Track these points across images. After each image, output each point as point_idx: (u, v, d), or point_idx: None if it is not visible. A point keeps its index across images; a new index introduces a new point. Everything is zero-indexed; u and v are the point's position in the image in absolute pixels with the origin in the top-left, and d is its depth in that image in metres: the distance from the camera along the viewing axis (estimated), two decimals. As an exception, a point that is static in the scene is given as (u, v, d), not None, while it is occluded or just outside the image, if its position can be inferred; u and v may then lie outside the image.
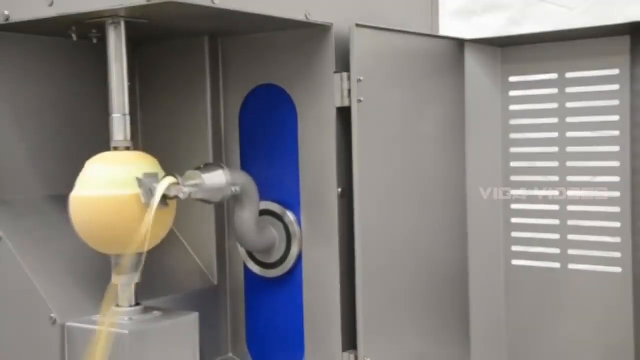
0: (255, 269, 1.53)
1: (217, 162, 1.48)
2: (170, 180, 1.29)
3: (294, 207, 1.48)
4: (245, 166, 1.54)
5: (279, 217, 1.49)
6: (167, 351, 1.32)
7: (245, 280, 1.56)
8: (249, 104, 1.54)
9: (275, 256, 1.50)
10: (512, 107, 1.72)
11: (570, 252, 1.67)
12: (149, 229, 1.25)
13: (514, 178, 1.72)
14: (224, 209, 1.57)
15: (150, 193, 1.27)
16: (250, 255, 1.54)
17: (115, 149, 1.33)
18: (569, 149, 1.66)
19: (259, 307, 1.55)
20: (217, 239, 1.56)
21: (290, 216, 1.48)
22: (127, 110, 1.34)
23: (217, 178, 1.38)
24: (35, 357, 1.34)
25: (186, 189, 1.31)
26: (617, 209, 1.62)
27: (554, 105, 1.67)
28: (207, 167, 1.38)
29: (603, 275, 1.64)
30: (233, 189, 1.39)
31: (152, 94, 1.61)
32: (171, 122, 1.58)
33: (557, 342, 1.69)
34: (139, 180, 1.27)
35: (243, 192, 1.41)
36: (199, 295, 1.41)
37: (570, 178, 1.66)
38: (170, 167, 1.36)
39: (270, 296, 1.53)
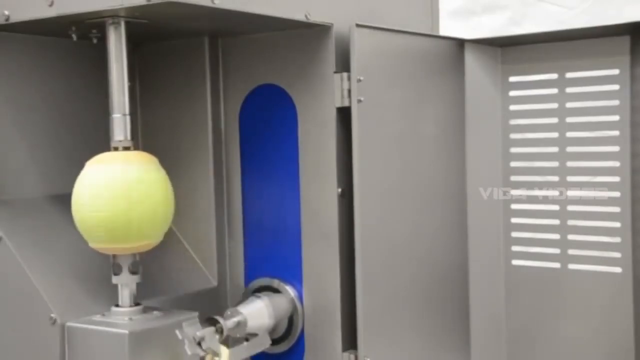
0: None
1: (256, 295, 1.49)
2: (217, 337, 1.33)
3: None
4: (245, 166, 1.54)
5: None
6: (167, 351, 1.32)
7: None
8: (249, 104, 1.54)
9: (277, 334, 1.50)
10: (512, 107, 1.72)
11: (570, 252, 1.67)
12: None
13: (514, 178, 1.72)
14: (224, 209, 1.57)
15: (194, 341, 1.29)
16: None
17: (115, 149, 1.33)
18: (569, 149, 1.66)
19: None
20: (217, 239, 1.56)
21: (291, 293, 1.48)
22: (127, 110, 1.34)
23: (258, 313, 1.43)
24: (35, 357, 1.34)
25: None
26: (617, 209, 1.62)
27: (554, 105, 1.67)
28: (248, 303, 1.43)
29: (603, 275, 1.64)
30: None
31: (152, 94, 1.61)
32: (171, 122, 1.58)
33: (557, 342, 1.69)
34: (181, 332, 1.29)
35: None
36: (199, 295, 1.41)
37: (570, 178, 1.66)
38: (170, 167, 1.36)
39: None
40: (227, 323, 1.37)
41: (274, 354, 1.51)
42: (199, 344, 1.31)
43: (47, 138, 1.48)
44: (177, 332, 1.29)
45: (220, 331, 1.35)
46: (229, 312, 1.40)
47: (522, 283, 1.72)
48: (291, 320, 1.48)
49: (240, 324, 1.39)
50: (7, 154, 1.43)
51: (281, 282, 1.49)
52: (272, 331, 1.46)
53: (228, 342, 1.37)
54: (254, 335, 1.42)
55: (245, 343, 1.41)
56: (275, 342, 1.49)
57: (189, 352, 1.29)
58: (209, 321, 1.35)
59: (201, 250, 1.57)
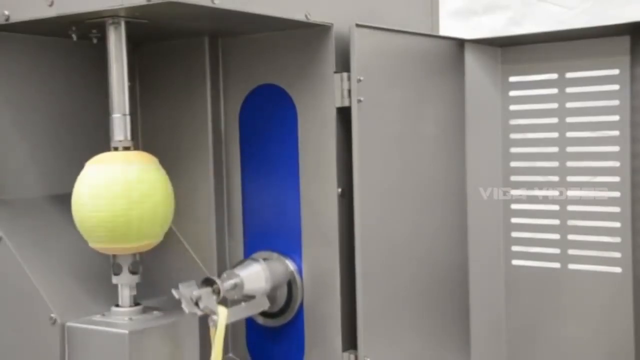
0: (258, 318, 1.53)
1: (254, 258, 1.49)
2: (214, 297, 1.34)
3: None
4: (245, 166, 1.54)
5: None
6: (167, 351, 1.32)
7: (246, 330, 1.56)
8: (249, 104, 1.54)
9: (277, 306, 1.50)
10: (512, 107, 1.72)
11: (570, 252, 1.67)
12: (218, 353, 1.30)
13: (514, 178, 1.72)
14: (224, 209, 1.57)
15: (191, 301, 1.30)
16: None
17: (115, 149, 1.33)
18: (569, 149, 1.66)
19: (261, 354, 1.55)
20: (217, 239, 1.56)
21: (291, 267, 1.48)
22: (127, 110, 1.34)
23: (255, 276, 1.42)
24: (35, 357, 1.34)
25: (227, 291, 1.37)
26: (617, 209, 1.62)
27: (554, 105, 1.67)
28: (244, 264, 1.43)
29: (603, 275, 1.64)
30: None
31: (152, 94, 1.61)
32: (171, 122, 1.58)
33: (557, 342, 1.69)
34: (177, 292, 1.30)
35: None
36: (198, 296, 1.41)
37: (570, 178, 1.66)
38: (170, 167, 1.36)
39: (272, 345, 1.53)
40: (224, 285, 1.36)
41: (272, 327, 1.51)
42: (196, 303, 1.30)
43: (47, 138, 1.48)
44: (174, 291, 1.30)
45: (217, 292, 1.35)
46: (225, 275, 1.40)
47: (522, 283, 1.72)
48: (290, 293, 1.48)
49: (237, 286, 1.39)
50: (7, 154, 1.43)
51: (281, 255, 1.49)
52: (270, 302, 1.46)
53: (225, 303, 1.36)
54: (251, 297, 1.42)
55: (243, 304, 1.41)
56: (273, 315, 1.49)
57: (186, 311, 1.30)
58: (206, 282, 1.35)
59: (201, 250, 1.57)
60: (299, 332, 1.49)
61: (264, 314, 1.51)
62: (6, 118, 1.43)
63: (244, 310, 1.42)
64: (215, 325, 1.32)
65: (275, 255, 1.49)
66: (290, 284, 1.48)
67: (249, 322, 1.55)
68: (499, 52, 1.71)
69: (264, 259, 1.46)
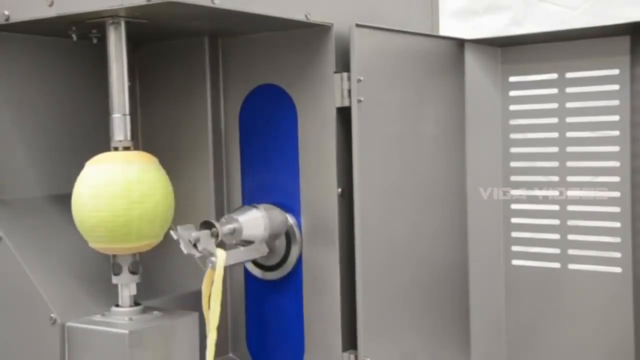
0: (255, 271, 1.53)
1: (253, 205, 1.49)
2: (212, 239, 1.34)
3: (294, 209, 1.48)
4: (245, 166, 1.54)
5: None
6: (167, 351, 1.32)
7: (245, 284, 1.56)
8: (249, 104, 1.54)
9: (275, 259, 1.50)
10: (512, 107, 1.72)
11: (570, 252, 1.67)
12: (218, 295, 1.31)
13: (514, 178, 1.72)
14: (224, 209, 1.57)
15: (190, 243, 1.30)
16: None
17: (115, 149, 1.34)
18: (569, 149, 1.66)
19: (259, 310, 1.55)
20: None
21: (290, 219, 1.48)
22: (127, 110, 1.34)
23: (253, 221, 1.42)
24: (35, 357, 1.34)
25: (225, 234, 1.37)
26: (617, 209, 1.62)
27: (554, 105, 1.67)
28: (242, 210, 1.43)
29: (603, 275, 1.64)
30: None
31: (152, 94, 1.61)
32: (171, 122, 1.59)
33: (557, 342, 1.69)
34: (176, 233, 1.30)
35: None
36: (199, 295, 1.41)
37: (570, 178, 1.66)
38: (170, 167, 1.36)
39: (271, 299, 1.53)
40: (223, 228, 1.36)
41: (271, 280, 1.51)
42: (195, 245, 1.31)
43: (47, 138, 1.48)
44: (172, 232, 1.31)
45: (215, 235, 1.35)
46: (224, 219, 1.39)
47: (522, 283, 1.72)
48: (288, 245, 1.48)
49: (236, 231, 1.39)
50: (7, 154, 1.43)
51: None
52: (269, 254, 1.47)
53: (223, 248, 1.36)
54: (250, 243, 1.42)
55: (241, 248, 1.41)
56: (272, 268, 1.50)
57: (185, 252, 1.30)
58: (205, 225, 1.35)
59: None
60: (298, 284, 1.48)
61: (262, 267, 1.51)
62: (6, 118, 1.43)
63: (243, 254, 1.41)
64: (214, 267, 1.32)
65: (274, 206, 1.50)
66: (289, 237, 1.48)
67: (248, 276, 1.55)
68: (499, 52, 1.71)
69: (262, 205, 1.45)
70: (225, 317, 1.58)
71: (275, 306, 1.52)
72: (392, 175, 1.50)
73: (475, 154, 1.67)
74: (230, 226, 1.38)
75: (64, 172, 1.45)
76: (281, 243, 1.48)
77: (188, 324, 1.36)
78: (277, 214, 1.46)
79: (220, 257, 1.33)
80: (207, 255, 1.33)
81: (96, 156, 1.32)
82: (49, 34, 1.46)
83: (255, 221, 1.42)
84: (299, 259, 1.48)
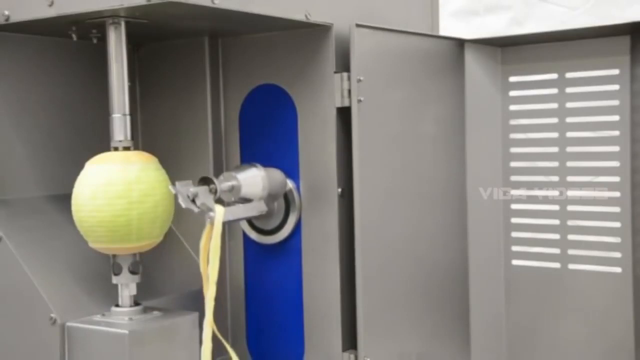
0: (252, 235, 1.53)
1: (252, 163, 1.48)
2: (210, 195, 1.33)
3: (293, 175, 1.48)
4: (245, 166, 1.54)
5: None
6: (167, 351, 1.32)
7: (244, 251, 1.55)
8: (249, 104, 1.54)
9: (274, 223, 1.50)
10: (512, 107, 1.72)
11: (570, 252, 1.67)
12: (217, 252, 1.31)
13: (514, 178, 1.72)
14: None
15: (188, 198, 1.29)
16: (250, 224, 1.53)
17: (115, 149, 1.34)
18: (569, 149, 1.66)
19: (258, 278, 1.54)
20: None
21: (289, 184, 1.48)
22: (127, 110, 1.34)
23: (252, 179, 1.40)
24: (35, 357, 1.35)
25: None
26: (617, 209, 1.62)
27: (554, 105, 1.67)
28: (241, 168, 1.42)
29: (603, 275, 1.64)
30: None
31: (152, 94, 1.61)
32: (171, 122, 1.59)
33: (557, 342, 1.69)
34: (174, 188, 1.29)
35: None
36: (199, 295, 1.41)
37: (570, 178, 1.66)
38: (170, 167, 1.36)
39: (270, 264, 1.52)
40: (222, 185, 1.35)
41: (270, 245, 1.51)
42: (193, 201, 1.30)
43: (47, 138, 1.49)
44: (171, 187, 1.30)
45: (214, 192, 1.34)
46: (223, 177, 1.38)
47: (522, 283, 1.72)
48: (287, 209, 1.47)
49: (235, 189, 1.38)
50: (7, 154, 1.43)
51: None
52: (267, 216, 1.46)
53: (222, 205, 1.35)
54: (249, 201, 1.41)
55: (240, 205, 1.40)
56: (270, 232, 1.49)
57: (183, 206, 1.29)
58: (204, 181, 1.35)
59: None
60: (296, 250, 1.48)
61: (261, 231, 1.51)
62: (6, 118, 1.43)
63: (241, 211, 1.40)
64: (212, 223, 1.31)
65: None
66: (288, 200, 1.47)
67: (247, 241, 1.54)
68: (499, 52, 1.71)
69: (262, 166, 1.45)
70: (225, 316, 1.58)
71: (275, 273, 1.51)
72: (392, 175, 1.50)
73: (475, 154, 1.67)
74: (229, 183, 1.37)
75: (64, 172, 1.45)
76: (280, 207, 1.48)
77: (188, 324, 1.36)
78: (277, 175, 1.45)
79: (219, 212, 1.32)
80: (206, 211, 1.31)
81: (96, 156, 1.32)
82: (49, 34, 1.46)
83: (254, 179, 1.41)
84: (298, 224, 1.47)
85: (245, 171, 1.41)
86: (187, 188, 1.30)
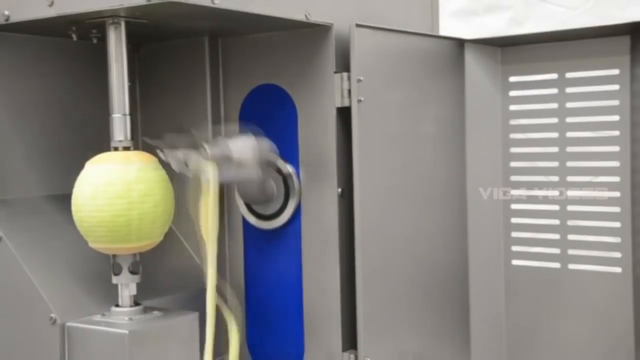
0: (251, 219, 1.52)
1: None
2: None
3: (293, 160, 1.48)
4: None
5: (278, 170, 1.48)
6: (167, 351, 1.32)
7: (244, 236, 1.55)
8: (249, 104, 1.54)
9: (273, 208, 1.49)
10: (512, 107, 1.72)
11: (570, 252, 1.67)
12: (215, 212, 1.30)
13: (514, 178, 1.72)
14: (223, 208, 1.57)
15: (181, 163, 1.29)
16: (249, 209, 1.53)
17: (115, 149, 1.34)
18: (569, 149, 1.66)
19: (258, 268, 1.54)
20: (217, 239, 1.56)
21: (289, 169, 1.48)
22: (127, 110, 1.34)
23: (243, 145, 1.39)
24: (35, 357, 1.34)
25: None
26: (617, 209, 1.62)
27: (554, 105, 1.67)
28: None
29: (603, 275, 1.64)
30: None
31: (152, 94, 1.61)
32: (171, 122, 1.58)
33: (557, 342, 1.69)
34: (165, 154, 1.29)
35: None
36: (199, 295, 1.41)
37: (570, 178, 1.66)
38: (170, 167, 1.36)
39: (269, 250, 1.52)
40: (213, 149, 1.34)
41: (269, 230, 1.51)
42: (186, 164, 1.30)
43: (47, 138, 1.49)
44: (160, 154, 1.30)
45: (205, 156, 1.33)
46: (212, 142, 1.37)
47: (522, 283, 1.72)
48: (287, 194, 1.47)
49: (224, 155, 1.36)
50: (7, 154, 1.43)
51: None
52: (266, 205, 1.46)
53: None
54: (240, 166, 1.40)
55: (233, 168, 1.39)
56: (270, 217, 1.49)
57: (177, 171, 1.30)
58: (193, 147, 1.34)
59: (201, 250, 1.57)
60: (296, 235, 1.48)
61: (260, 216, 1.51)
62: (6, 118, 1.43)
63: (234, 172, 1.38)
64: (208, 182, 1.30)
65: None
66: (287, 184, 1.47)
67: (246, 227, 1.54)
68: (499, 52, 1.71)
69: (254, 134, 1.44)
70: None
71: (275, 258, 1.51)
72: (392, 175, 1.50)
73: (475, 154, 1.67)
74: (219, 148, 1.36)
75: (64, 172, 1.45)
76: (280, 192, 1.47)
77: (188, 324, 1.36)
78: (266, 142, 1.44)
79: (213, 170, 1.31)
80: (199, 172, 1.31)
81: (96, 156, 1.32)
82: (49, 34, 1.46)
83: (243, 145, 1.39)
84: (297, 209, 1.47)
85: (236, 138, 1.40)
86: (178, 153, 1.30)
